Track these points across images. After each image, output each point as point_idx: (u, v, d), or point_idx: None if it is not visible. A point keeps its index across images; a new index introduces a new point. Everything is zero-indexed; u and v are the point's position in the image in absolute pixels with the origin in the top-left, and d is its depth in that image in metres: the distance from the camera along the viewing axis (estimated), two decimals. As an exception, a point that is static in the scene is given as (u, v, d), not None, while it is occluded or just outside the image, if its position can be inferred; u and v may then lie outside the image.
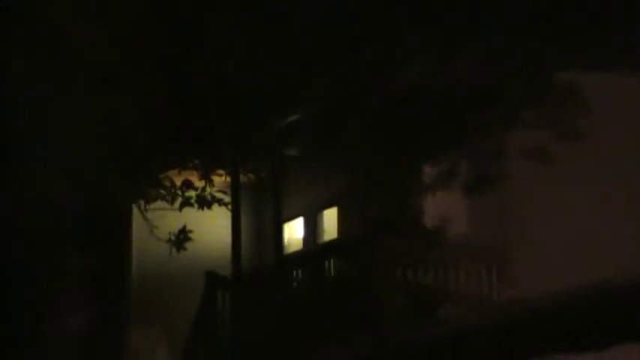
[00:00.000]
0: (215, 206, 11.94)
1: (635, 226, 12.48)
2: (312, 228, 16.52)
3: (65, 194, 10.08)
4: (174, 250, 11.56)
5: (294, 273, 14.05)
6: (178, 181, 11.64)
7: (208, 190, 11.83)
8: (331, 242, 15.60)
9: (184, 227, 11.43)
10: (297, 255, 16.31)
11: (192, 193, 11.70)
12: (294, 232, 16.93)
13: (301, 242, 16.81)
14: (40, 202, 9.94)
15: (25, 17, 9.70)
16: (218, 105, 11.02)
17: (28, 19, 9.70)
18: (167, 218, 11.52)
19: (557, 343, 8.36)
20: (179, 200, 11.65)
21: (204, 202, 11.78)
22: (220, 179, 12.50)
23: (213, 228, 14.03)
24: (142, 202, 11.72)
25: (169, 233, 11.44)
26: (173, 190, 11.69)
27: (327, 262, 13.56)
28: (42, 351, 11.18)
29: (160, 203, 11.63)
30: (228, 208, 12.99)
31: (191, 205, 11.67)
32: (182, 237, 11.50)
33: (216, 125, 11.44)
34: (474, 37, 10.97)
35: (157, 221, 11.52)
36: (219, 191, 12.15)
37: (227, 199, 12.67)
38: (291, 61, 10.77)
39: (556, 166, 11.14)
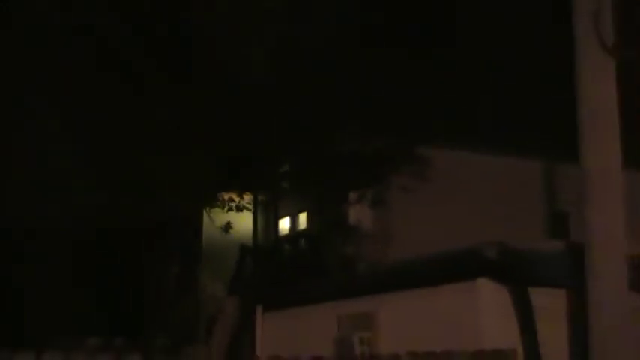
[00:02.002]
0: (245, 211, 16.21)
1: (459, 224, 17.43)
2: (293, 223, 20.63)
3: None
4: (223, 233, 15.72)
5: (285, 246, 18.40)
6: (226, 197, 15.87)
7: (241, 202, 15.86)
8: (303, 230, 19.67)
9: (229, 222, 15.74)
10: (285, 236, 20.13)
11: (233, 204, 15.77)
12: (284, 224, 20.84)
13: (288, 230, 20.79)
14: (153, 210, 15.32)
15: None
16: (249, 165, 15.57)
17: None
18: (220, 217, 15.97)
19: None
20: (227, 207, 15.84)
21: (239, 209, 15.87)
22: (248, 197, 16.56)
23: (243, 222, 16.74)
24: (207, 209, 16.35)
25: (221, 224, 15.68)
26: (223, 202, 15.99)
27: (300, 240, 18.22)
28: (153, 289, 18.52)
29: (216, 209, 15.98)
30: (251, 212, 17.17)
31: (232, 210, 15.82)
32: (228, 226, 15.74)
33: (246, 172, 15.70)
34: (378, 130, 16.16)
35: (215, 218, 16.04)
36: (247, 203, 16.36)
37: (251, 207, 16.84)
38: (279, 145, 15.37)
39: (417, 195, 16.57)
